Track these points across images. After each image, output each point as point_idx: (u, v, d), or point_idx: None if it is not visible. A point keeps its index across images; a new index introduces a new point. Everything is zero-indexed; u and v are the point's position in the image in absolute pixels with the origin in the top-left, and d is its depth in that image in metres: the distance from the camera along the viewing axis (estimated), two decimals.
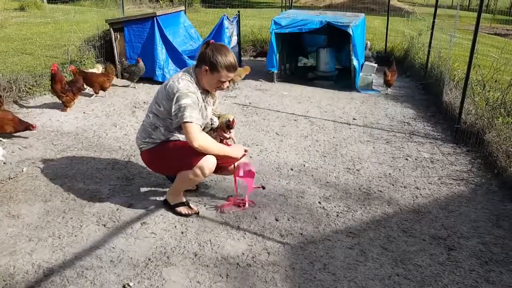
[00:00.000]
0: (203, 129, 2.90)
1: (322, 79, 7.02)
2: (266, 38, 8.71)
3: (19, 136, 4.05)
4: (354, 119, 5.10)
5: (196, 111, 2.61)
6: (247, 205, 3.02)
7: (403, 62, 7.94)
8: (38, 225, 2.73)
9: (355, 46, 6.16)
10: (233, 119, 2.98)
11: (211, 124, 3.03)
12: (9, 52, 7.31)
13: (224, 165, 2.94)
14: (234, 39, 6.95)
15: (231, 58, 2.67)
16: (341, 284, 2.31)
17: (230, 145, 2.98)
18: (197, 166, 2.65)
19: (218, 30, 6.29)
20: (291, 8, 10.28)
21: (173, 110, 2.61)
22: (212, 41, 2.75)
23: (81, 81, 5.01)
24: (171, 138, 2.79)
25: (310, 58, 8.08)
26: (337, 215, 2.99)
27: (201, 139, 2.60)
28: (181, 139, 2.80)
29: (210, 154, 2.67)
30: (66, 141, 4.08)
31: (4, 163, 3.52)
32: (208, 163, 2.67)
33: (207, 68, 2.65)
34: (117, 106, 5.23)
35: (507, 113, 4.40)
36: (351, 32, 6.03)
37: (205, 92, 2.82)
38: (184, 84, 2.64)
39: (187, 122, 2.56)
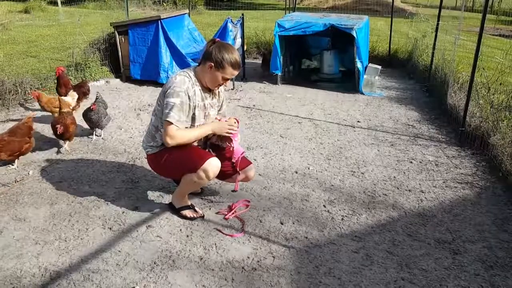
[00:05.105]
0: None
1: (326, 82, 7.02)
2: (269, 40, 8.71)
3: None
4: (358, 121, 5.10)
5: (182, 113, 2.62)
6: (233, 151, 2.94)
7: (407, 64, 7.92)
8: (45, 228, 2.75)
9: (359, 48, 6.16)
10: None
11: None
12: (14, 55, 7.35)
13: (227, 172, 2.96)
14: (238, 41, 6.96)
15: (237, 56, 2.70)
16: None
17: (232, 150, 2.95)
18: (201, 169, 2.66)
19: (222, 33, 6.30)
20: (294, 10, 10.26)
21: (164, 103, 2.64)
22: (218, 39, 2.77)
23: (87, 85, 5.02)
24: None
25: (314, 60, 8.08)
26: (342, 219, 2.99)
27: (175, 139, 2.62)
28: None
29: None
30: (71, 144, 4.10)
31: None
32: (212, 166, 2.68)
33: (212, 64, 2.65)
34: (122, 109, 5.26)
35: None
36: (355, 35, 6.02)
37: (207, 90, 2.81)
38: (180, 79, 2.66)
39: (167, 121, 2.60)
